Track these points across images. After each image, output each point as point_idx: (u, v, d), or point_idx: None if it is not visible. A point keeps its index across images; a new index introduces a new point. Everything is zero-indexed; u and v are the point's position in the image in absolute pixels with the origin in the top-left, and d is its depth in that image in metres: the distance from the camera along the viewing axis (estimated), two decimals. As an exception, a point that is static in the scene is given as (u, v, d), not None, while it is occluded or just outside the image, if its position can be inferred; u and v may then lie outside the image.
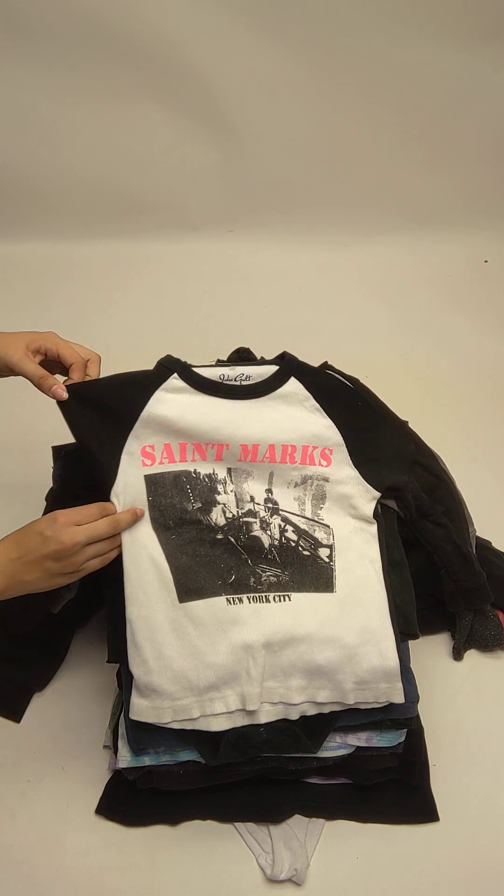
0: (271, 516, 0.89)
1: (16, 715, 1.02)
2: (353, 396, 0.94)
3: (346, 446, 0.92)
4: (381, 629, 0.85)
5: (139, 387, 0.89)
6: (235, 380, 0.91)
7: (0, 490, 1.28)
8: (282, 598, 0.85)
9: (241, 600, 0.84)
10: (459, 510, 1.02)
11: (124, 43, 1.56)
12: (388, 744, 0.87)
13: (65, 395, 0.85)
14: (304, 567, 0.88)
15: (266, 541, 0.88)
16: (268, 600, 0.85)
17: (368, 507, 0.92)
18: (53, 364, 0.90)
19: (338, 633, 0.84)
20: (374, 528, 0.92)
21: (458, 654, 1.07)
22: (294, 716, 0.83)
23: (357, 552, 0.90)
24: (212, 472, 0.89)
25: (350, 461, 0.92)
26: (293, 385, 0.92)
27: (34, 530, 0.80)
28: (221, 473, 0.90)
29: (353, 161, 1.77)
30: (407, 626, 0.90)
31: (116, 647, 0.87)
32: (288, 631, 0.83)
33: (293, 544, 0.89)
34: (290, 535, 0.89)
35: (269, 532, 0.88)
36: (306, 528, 0.90)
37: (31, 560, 0.79)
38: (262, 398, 0.91)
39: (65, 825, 0.92)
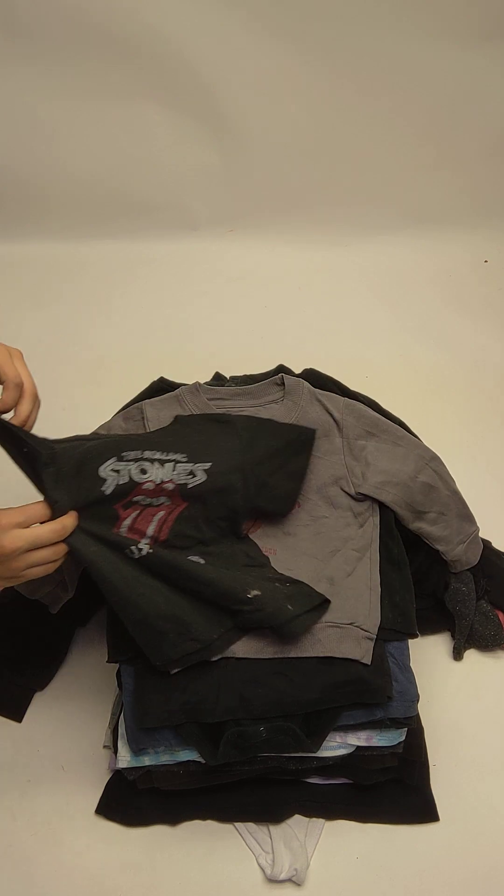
0: None
1: (17, 715, 1.02)
2: None
3: None
4: None
5: None
6: None
7: None
8: None
9: None
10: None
11: (124, 43, 1.56)
12: (388, 743, 0.87)
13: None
14: None
15: None
16: None
17: None
18: None
19: None
20: None
21: (458, 654, 1.07)
22: None
23: None
24: None
25: None
26: None
27: None
28: None
29: (354, 161, 1.77)
30: (407, 625, 0.90)
31: (116, 647, 0.87)
32: None
33: None
34: None
35: None
36: None
37: None
38: None
39: (65, 825, 0.92)
